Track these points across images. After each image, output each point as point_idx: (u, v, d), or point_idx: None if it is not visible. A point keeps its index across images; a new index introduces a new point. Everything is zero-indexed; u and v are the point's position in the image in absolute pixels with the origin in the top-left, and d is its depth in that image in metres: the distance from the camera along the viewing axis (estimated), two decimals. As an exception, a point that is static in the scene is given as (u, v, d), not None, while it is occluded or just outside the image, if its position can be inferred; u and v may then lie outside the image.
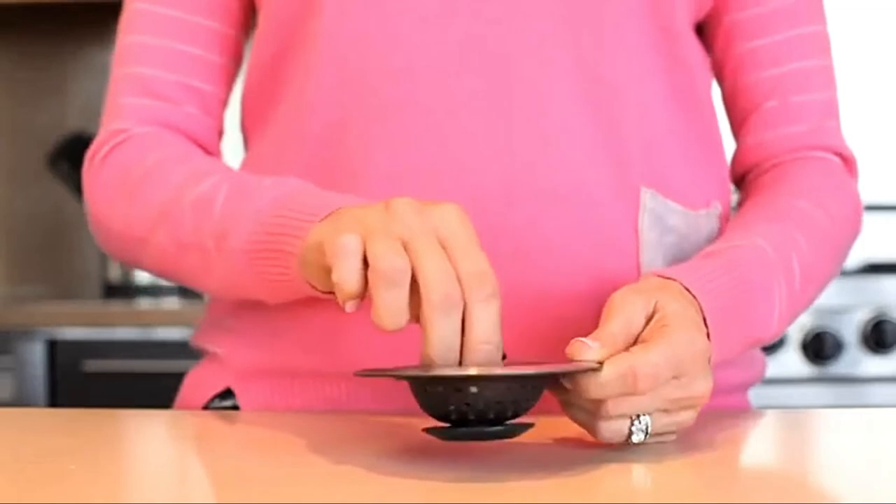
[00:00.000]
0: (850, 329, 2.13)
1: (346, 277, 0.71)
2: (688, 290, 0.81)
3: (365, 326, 0.88)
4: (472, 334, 0.70)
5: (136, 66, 0.99)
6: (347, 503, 0.64)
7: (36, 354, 2.25)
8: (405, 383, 0.75)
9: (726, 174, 1.03)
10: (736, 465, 0.78)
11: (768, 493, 0.67)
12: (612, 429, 0.74)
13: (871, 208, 2.54)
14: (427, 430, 0.72)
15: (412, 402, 0.87)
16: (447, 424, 0.71)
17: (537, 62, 0.90)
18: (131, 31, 1.01)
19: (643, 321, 0.77)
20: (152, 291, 2.62)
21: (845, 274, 2.25)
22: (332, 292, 0.77)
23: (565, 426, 0.81)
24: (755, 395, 1.06)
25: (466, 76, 0.90)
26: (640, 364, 0.72)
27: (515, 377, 0.69)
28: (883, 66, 2.59)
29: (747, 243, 0.90)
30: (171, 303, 2.45)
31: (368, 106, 0.91)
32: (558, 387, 0.75)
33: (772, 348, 2.11)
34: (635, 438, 0.74)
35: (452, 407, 0.70)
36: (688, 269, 0.84)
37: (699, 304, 0.81)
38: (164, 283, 2.59)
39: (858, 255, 2.44)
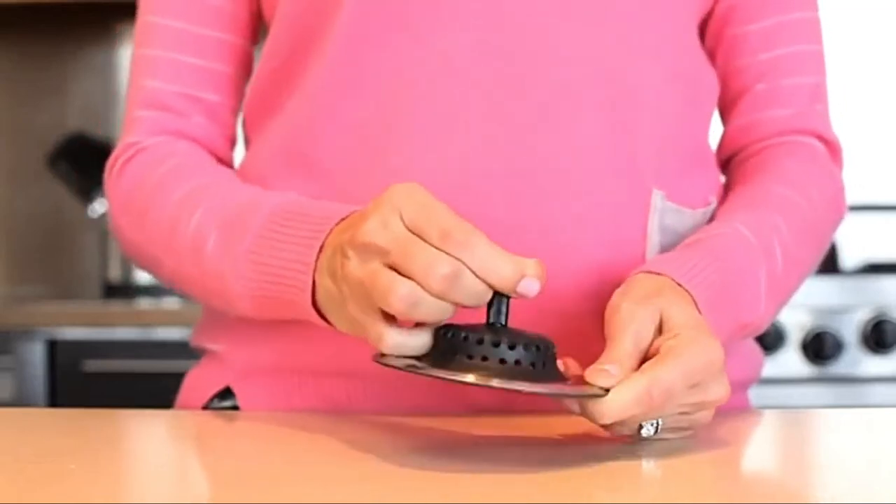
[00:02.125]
0: (850, 329, 2.13)
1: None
2: (678, 283, 0.82)
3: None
4: (481, 274, 0.71)
5: (145, 79, 1.01)
6: (347, 503, 0.64)
7: (36, 354, 2.25)
8: (407, 381, 0.76)
9: (716, 168, 1.04)
10: (736, 465, 0.78)
11: (768, 494, 0.67)
12: (622, 427, 0.75)
13: (870, 208, 2.55)
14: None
15: (413, 403, 0.87)
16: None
17: (552, 64, 0.90)
18: (141, 44, 1.02)
19: (651, 335, 0.77)
20: (152, 291, 2.62)
21: (845, 274, 2.25)
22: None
23: (568, 424, 0.82)
24: (755, 395, 1.06)
25: (481, 75, 0.90)
26: (654, 384, 0.73)
27: (517, 390, 0.70)
28: (882, 67, 2.59)
29: (728, 230, 0.91)
30: (171, 303, 2.45)
31: (380, 105, 0.91)
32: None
33: (772, 348, 2.11)
34: (644, 433, 0.75)
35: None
36: (674, 262, 0.85)
37: (692, 296, 0.82)
38: (164, 283, 2.59)
39: (858, 255, 2.45)
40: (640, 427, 0.75)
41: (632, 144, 0.92)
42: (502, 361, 0.71)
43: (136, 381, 2.21)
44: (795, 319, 2.12)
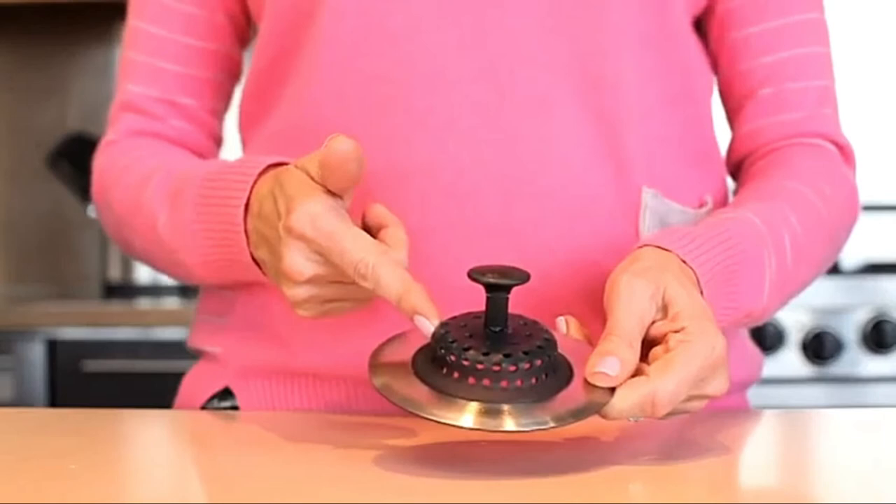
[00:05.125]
0: (850, 329, 2.13)
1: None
2: (683, 260, 0.81)
3: (364, 328, 0.88)
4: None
5: (127, 82, 1.06)
6: (347, 503, 0.64)
7: (36, 354, 2.25)
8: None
9: (721, 169, 1.03)
10: (736, 465, 0.78)
11: (768, 494, 0.67)
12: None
13: (871, 208, 2.53)
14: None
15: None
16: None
17: (537, 64, 0.90)
18: (126, 46, 1.07)
19: (653, 310, 0.76)
20: (152, 291, 2.62)
21: (845, 274, 2.25)
22: None
23: (565, 427, 0.82)
24: (754, 395, 1.06)
25: (465, 78, 0.90)
26: (659, 391, 0.72)
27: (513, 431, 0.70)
28: (883, 66, 2.59)
29: (738, 216, 0.90)
30: (171, 303, 2.45)
31: (366, 110, 0.91)
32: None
33: (772, 348, 2.11)
34: (632, 418, 0.74)
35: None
36: (682, 238, 0.84)
37: (696, 275, 0.81)
38: (163, 283, 2.59)
39: (858, 255, 2.45)
40: None
41: (617, 143, 0.92)
42: (504, 383, 0.70)
43: (136, 381, 2.21)
44: (795, 319, 2.12)
